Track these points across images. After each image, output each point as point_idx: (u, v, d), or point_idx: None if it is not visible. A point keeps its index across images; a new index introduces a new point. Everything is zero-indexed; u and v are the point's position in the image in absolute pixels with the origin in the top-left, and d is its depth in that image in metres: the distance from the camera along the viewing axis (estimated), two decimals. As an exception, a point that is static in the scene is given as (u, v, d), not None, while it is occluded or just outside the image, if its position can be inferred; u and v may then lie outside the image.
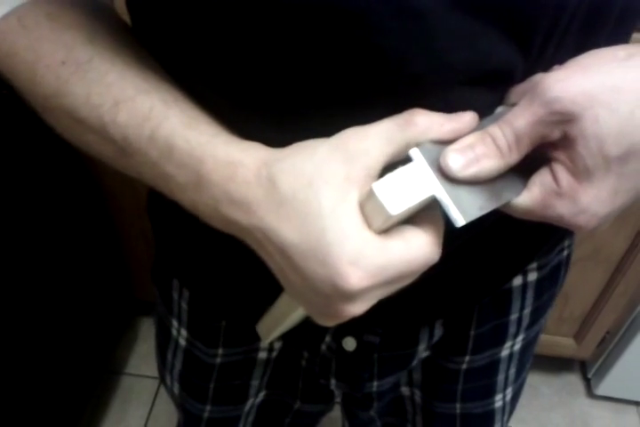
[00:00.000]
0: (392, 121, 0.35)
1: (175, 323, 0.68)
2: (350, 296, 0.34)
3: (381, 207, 0.33)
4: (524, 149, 0.35)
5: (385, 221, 0.34)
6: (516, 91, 0.37)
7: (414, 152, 0.34)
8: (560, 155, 0.34)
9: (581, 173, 0.34)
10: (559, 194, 0.35)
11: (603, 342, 1.42)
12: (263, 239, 0.36)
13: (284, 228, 0.34)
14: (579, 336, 1.43)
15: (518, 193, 0.36)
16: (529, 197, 0.36)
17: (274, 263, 0.37)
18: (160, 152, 0.38)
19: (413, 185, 0.34)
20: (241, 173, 0.36)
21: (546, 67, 0.37)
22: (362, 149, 0.34)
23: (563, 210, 0.35)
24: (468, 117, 0.36)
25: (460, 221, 0.34)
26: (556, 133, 0.34)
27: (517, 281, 0.61)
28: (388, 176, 0.34)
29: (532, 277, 0.62)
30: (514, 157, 0.35)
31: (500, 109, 0.37)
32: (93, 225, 1.32)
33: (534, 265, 0.61)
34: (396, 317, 0.57)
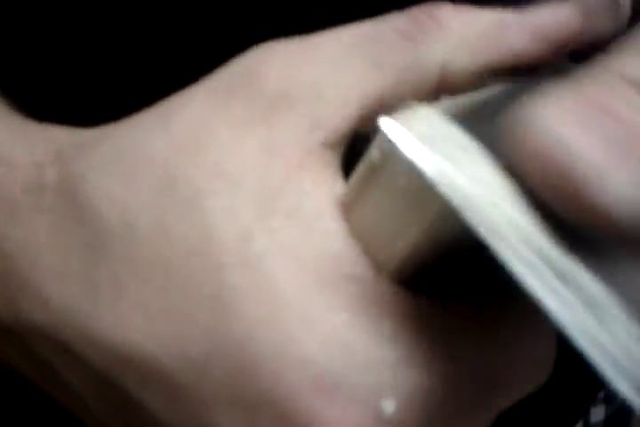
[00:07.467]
0: (382, 23, 0.16)
1: None
2: None
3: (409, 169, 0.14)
4: None
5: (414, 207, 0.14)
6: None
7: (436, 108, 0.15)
8: None
9: None
10: None
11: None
12: (69, 358, 0.16)
13: (135, 325, 0.15)
14: None
15: None
16: None
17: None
18: None
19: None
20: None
21: None
22: (306, 90, 0.15)
23: None
24: (567, 11, 0.16)
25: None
26: None
27: None
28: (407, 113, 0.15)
29: (599, 415, 0.37)
30: None
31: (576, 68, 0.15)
32: None
33: (601, 394, 0.37)
34: None
